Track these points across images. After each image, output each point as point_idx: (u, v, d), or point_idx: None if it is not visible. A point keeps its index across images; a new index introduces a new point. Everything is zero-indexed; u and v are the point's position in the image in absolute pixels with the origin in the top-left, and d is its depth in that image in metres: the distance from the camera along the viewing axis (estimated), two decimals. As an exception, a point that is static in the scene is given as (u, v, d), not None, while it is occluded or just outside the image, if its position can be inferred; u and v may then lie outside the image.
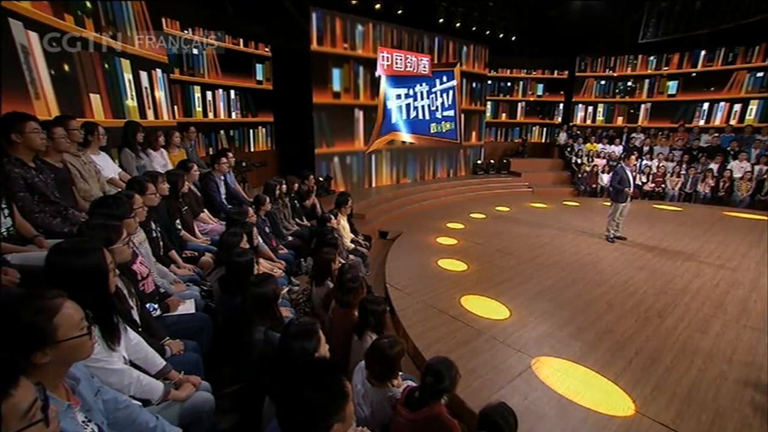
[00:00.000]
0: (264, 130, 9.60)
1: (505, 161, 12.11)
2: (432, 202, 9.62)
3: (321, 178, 9.12)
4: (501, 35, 11.64)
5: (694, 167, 9.87)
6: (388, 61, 9.94)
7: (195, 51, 7.65)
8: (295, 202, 5.98)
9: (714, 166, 9.74)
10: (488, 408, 1.82)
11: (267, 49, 9.21)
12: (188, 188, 3.72)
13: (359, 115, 9.71)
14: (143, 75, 4.78)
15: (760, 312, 4.18)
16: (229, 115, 8.64)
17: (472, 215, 8.39)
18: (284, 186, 5.49)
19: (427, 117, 11.02)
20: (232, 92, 8.64)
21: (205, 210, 4.38)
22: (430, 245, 6.44)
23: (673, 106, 11.64)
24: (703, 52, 11.12)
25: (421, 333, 3.71)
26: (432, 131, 11.18)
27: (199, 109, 7.91)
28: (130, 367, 1.52)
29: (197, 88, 7.81)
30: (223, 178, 4.96)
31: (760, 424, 2.58)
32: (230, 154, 5.36)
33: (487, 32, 11.28)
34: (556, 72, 13.07)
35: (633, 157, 6.50)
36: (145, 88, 4.85)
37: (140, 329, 1.74)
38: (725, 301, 4.40)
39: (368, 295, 2.57)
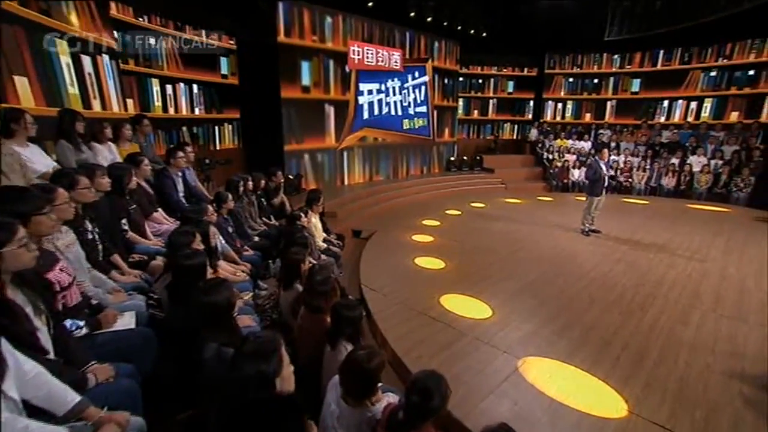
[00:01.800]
0: (230, 127, 9.05)
1: (478, 158, 12.10)
2: (406, 199, 9.42)
3: (291, 176, 8.71)
4: (472, 31, 11.58)
5: (658, 162, 10.19)
6: (358, 55, 9.64)
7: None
8: (262, 200, 5.59)
9: (675, 161, 10.09)
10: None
11: (232, 42, 8.68)
12: (137, 184, 3.28)
13: (330, 110, 9.36)
14: (86, 60, 4.25)
15: (732, 301, 4.22)
16: (192, 111, 8.06)
17: (447, 212, 8.24)
18: (250, 183, 5.09)
19: (400, 113, 10.81)
20: (195, 87, 8.06)
21: (160, 209, 3.94)
22: (405, 243, 6.21)
23: (636, 103, 12.01)
24: (661, 52, 11.54)
25: (400, 337, 3.45)
26: (405, 128, 10.97)
27: (158, 103, 7.30)
28: (15, 416, 1.12)
29: (155, 81, 7.21)
30: (180, 174, 4.51)
31: (755, 418, 2.50)
32: (189, 149, 4.91)
33: (459, 27, 11.19)
34: (525, 69, 13.21)
35: (605, 151, 6.55)
36: (89, 74, 4.32)
37: (51, 355, 1.37)
38: (700, 291, 4.42)
39: (341, 299, 2.28)
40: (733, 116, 10.81)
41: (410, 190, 9.94)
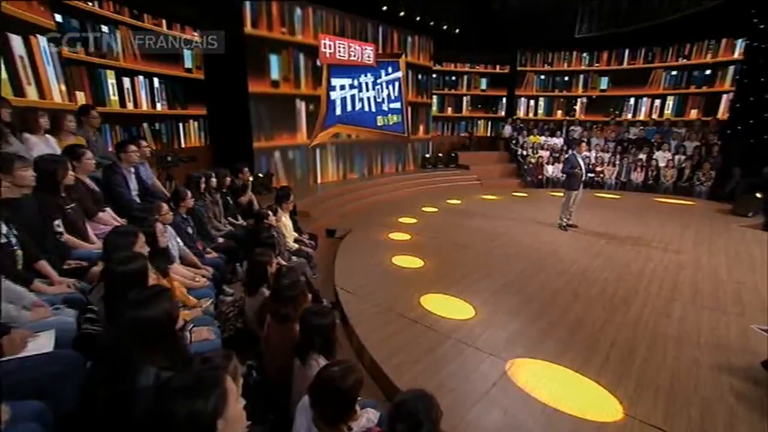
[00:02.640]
0: (196, 124, 8.49)
1: (453, 155, 12.02)
2: (382, 197, 9.18)
3: (260, 175, 8.28)
4: (445, 27, 11.49)
5: (627, 157, 10.43)
6: (330, 49, 9.31)
7: (104, 29, 6.46)
8: (228, 198, 5.20)
9: (643, 157, 10.37)
10: None
11: (195, 34, 8.13)
12: (75, 180, 2.86)
13: (301, 106, 8.98)
14: (15, 40, 3.74)
15: (710, 292, 4.23)
16: (154, 107, 7.47)
17: (424, 209, 8.06)
18: (213, 180, 4.70)
19: (373, 109, 10.55)
20: (156, 80, 7.47)
21: (108, 209, 3.50)
22: (382, 242, 5.97)
23: (605, 100, 12.29)
24: (627, 51, 11.85)
25: (378, 342, 3.20)
26: (379, 124, 10.73)
27: (114, 97, 6.69)
28: None
29: (110, 73, 6.60)
30: (133, 170, 4.07)
31: (748, 414, 2.41)
32: (143, 143, 4.48)
33: (432, 23, 11.07)
34: (498, 67, 13.26)
35: (583, 144, 6.55)
36: (20, 57, 3.80)
37: None
38: (678, 283, 4.41)
39: (311, 306, 2.00)
40: (693, 114, 11.24)
41: (385, 188, 9.71)
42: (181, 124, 8.11)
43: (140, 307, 1.29)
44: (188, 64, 8.08)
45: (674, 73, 11.44)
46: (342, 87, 9.78)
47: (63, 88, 4.57)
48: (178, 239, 3.45)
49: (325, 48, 9.18)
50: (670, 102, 11.61)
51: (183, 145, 8.09)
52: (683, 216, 7.64)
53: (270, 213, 4.15)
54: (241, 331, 2.81)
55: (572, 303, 3.87)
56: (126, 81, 6.91)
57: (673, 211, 8.06)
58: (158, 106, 7.58)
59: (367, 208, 8.36)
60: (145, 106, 7.29)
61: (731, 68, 10.71)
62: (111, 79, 6.65)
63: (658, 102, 11.74)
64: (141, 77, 7.15)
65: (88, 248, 2.77)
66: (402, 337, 3.28)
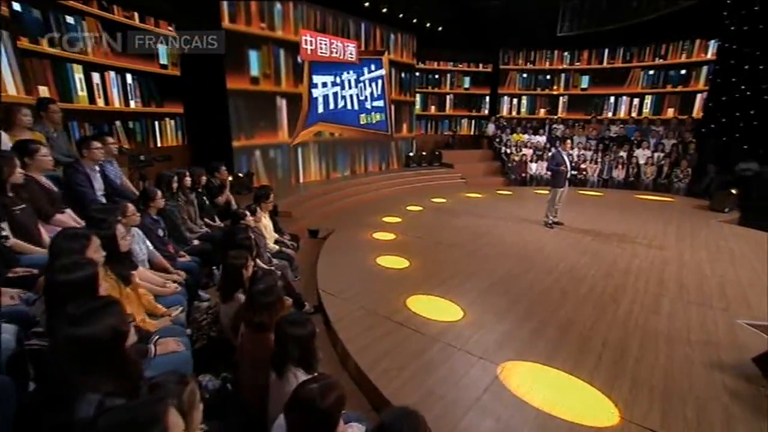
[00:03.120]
0: (173, 122, 8.12)
1: (437, 153, 11.94)
2: (365, 196, 9.00)
3: (240, 174, 7.99)
4: (428, 24, 11.40)
5: (608, 155, 10.56)
6: (311, 45, 9.08)
7: (70, 20, 6.07)
8: (204, 198, 4.94)
9: (623, 154, 10.51)
10: None
11: (171, 29, 7.77)
12: (24, 178, 2.59)
13: (282, 103, 8.72)
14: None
15: (695, 287, 4.22)
16: (127, 104, 7.08)
17: (408, 208, 7.93)
18: (187, 179, 4.44)
19: (356, 107, 10.36)
20: (129, 76, 7.09)
21: (68, 210, 3.22)
22: (366, 242, 5.80)
23: (586, 99, 12.44)
24: (606, 51, 12.03)
25: (363, 347, 3.04)
26: (362, 122, 10.55)
27: (82, 93, 6.29)
28: None
29: (78, 68, 6.21)
30: (98, 168, 3.78)
31: (743, 412, 2.35)
32: (110, 139, 4.18)
33: (414, 20, 10.96)
34: (481, 65, 13.26)
35: (569, 141, 6.54)
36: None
37: None
38: (664, 279, 4.40)
39: (288, 314, 1.82)
40: (670, 112, 11.48)
41: (369, 187, 9.54)
42: (156, 123, 7.74)
43: (79, 323, 1.09)
44: (163, 60, 7.72)
45: (651, 72, 11.67)
46: (324, 84, 9.56)
47: (18, 80, 4.23)
48: (148, 242, 3.21)
49: (306, 44, 8.94)
50: (648, 101, 11.83)
51: (159, 144, 7.73)
52: (664, 212, 7.74)
53: (247, 213, 3.93)
54: (215, 340, 2.61)
55: (561, 302, 3.79)
56: (95, 76, 6.51)
57: (654, 208, 8.16)
58: (132, 104, 7.19)
59: (351, 207, 8.18)
60: (117, 104, 6.90)
61: (705, 68, 10.99)
62: (78, 74, 6.25)
63: (636, 101, 11.95)
64: (112, 73, 6.76)
65: (39, 253, 2.51)
66: (388, 341, 3.12)
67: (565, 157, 6.23)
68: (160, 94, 7.71)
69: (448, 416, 2.29)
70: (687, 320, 3.48)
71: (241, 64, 7.87)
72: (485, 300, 3.84)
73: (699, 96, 11.13)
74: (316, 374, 1.60)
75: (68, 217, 3.16)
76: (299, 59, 8.84)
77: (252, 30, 7.95)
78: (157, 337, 2.00)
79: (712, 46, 10.76)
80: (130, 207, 2.88)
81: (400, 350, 3.00)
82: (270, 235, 4.73)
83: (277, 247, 4.72)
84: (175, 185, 4.01)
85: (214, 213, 5.10)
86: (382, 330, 3.30)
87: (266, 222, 4.65)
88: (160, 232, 3.48)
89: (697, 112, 11.12)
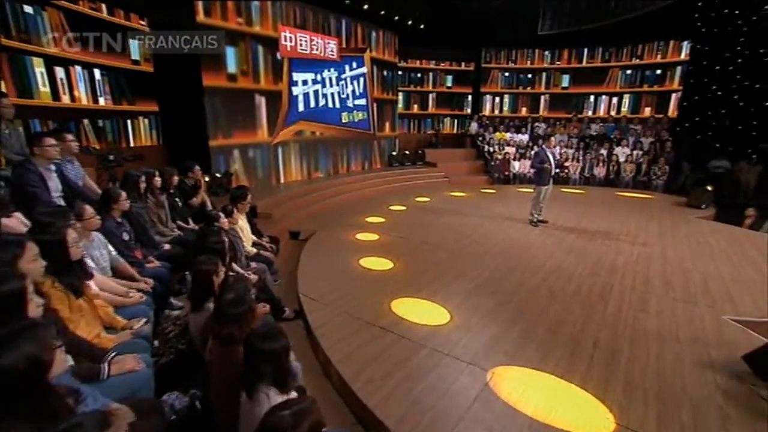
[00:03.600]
0: (146, 121, 7.74)
1: (420, 152, 11.84)
2: (348, 196, 8.81)
3: (218, 175, 7.68)
4: (410, 22, 11.29)
5: (589, 153, 10.67)
6: (291, 41, 8.83)
7: (29, 9, 5.67)
8: (177, 200, 4.67)
9: (604, 152, 10.64)
10: None
11: (143, 23, 7.38)
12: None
13: (261, 101, 8.44)
14: None
15: (680, 283, 4.22)
16: (95, 101, 6.67)
17: (391, 208, 7.78)
18: (157, 179, 4.17)
19: (338, 105, 10.16)
20: (97, 72, 6.68)
21: (17, 214, 2.93)
22: (348, 243, 5.63)
23: (567, 97, 12.57)
24: (585, 50, 12.19)
25: (346, 356, 2.86)
26: (343, 121, 10.35)
27: (44, 89, 5.90)
28: None
29: (38, 61, 5.80)
30: (53, 168, 3.48)
31: (738, 413, 2.29)
32: (69, 136, 3.87)
33: (396, 18, 10.83)
34: (463, 64, 13.24)
35: (553, 139, 6.52)
36: None
37: None
38: (649, 276, 4.39)
39: (260, 328, 1.63)
40: (647, 111, 11.71)
41: (352, 187, 9.35)
42: (129, 121, 7.36)
43: (-12, 352, 0.89)
44: (135, 55, 7.33)
45: (629, 72, 11.89)
46: (304, 82, 9.33)
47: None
48: (110, 247, 2.95)
49: (285, 41, 8.69)
50: (626, 100, 12.06)
51: (132, 144, 7.35)
52: (644, 209, 7.83)
53: (221, 215, 3.70)
54: (184, 353, 2.39)
55: (550, 302, 3.71)
56: (59, 71, 6.12)
57: (634, 205, 8.26)
58: (101, 101, 6.80)
59: (333, 207, 7.98)
60: (84, 101, 6.51)
61: (678, 69, 11.27)
62: (39, 68, 5.86)
63: (615, 100, 12.16)
64: (78, 67, 6.36)
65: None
66: (372, 348, 2.96)
67: (549, 155, 6.20)
68: (132, 92, 7.33)
69: (437, 428, 2.15)
70: (675, 318, 3.44)
71: (217, 60, 7.56)
72: (472, 301, 3.72)
73: (674, 95, 11.41)
74: (289, 398, 1.42)
75: (17, 222, 2.86)
76: (278, 56, 8.59)
77: (228, 25, 7.66)
78: (113, 354, 1.78)
79: (685, 47, 11.02)
80: (88, 209, 2.62)
81: (384, 357, 2.84)
82: (247, 237, 4.50)
83: (255, 250, 4.50)
84: (143, 186, 3.74)
85: (188, 215, 4.84)
86: (365, 336, 3.14)
87: (243, 224, 4.42)
88: (126, 237, 3.23)
89: (672, 111, 11.39)
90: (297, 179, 9.24)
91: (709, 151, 10.33)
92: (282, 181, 8.94)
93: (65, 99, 6.21)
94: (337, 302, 3.74)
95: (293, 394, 1.64)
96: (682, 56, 11.15)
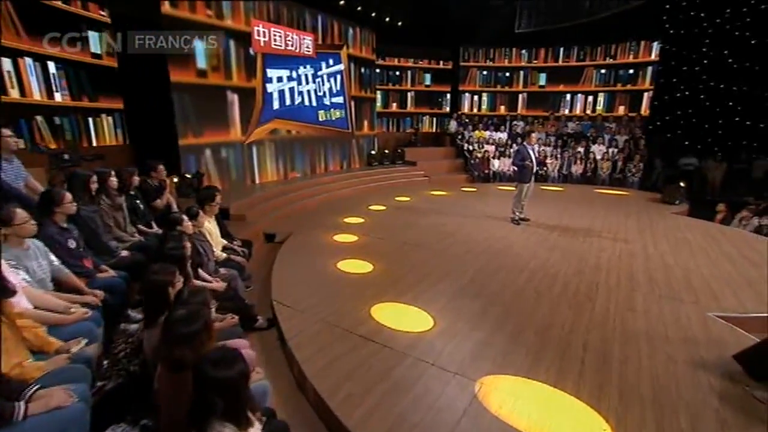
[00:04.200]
0: (110, 119, 7.22)
1: (399, 151, 11.67)
2: (326, 196, 8.54)
3: (188, 175, 7.27)
4: (387, 19, 11.10)
5: (567, 151, 10.75)
6: (264, 36, 8.48)
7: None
8: (138, 202, 4.31)
9: (581, 150, 10.74)
10: None
11: (104, 14, 6.88)
12: None
13: (233, 98, 8.07)
14: None
15: (663, 280, 4.17)
16: (51, 97, 6.15)
17: (371, 208, 7.56)
18: (113, 180, 3.82)
19: (314, 103, 9.86)
20: (52, 65, 6.16)
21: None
22: (326, 245, 5.37)
23: (544, 96, 12.68)
24: (561, 49, 12.31)
25: (322, 369, 2.63)
26: (320, 119, 10.05)
27: (-13, 82, 5.38)
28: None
29: (-22, 51, 5.28)
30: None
31: (734, 417, 2.18)
32: (6, 131, 3.45)
33: (373, 14, 10.61)
34: (441, 62, 13.16)
35: (534, 135, 6.45)
36: None
37: None
38: (633, 273, 4.33)
39: (212, 353, 1.37)
40: (621, 110, 11.93)
41: (330, 187, 9.08)
42: (91, 119, 6.85)
43: None
44: (95, 48, 6.82)
45: (603, 71, 12.08)
46: (279, 79, 8.99)
47: None
48: (52, 257, 2.61)
49: (258, 35, 8.34)
50: (601, 98, 12.25)
51: (95, 144, 6.85)
52: (622, 206, 7.90)
53: (185, 218, 3.38)
54: (135, 376, 2.10)
55: (536, 303, 3.57)
56: (5, 62, 5.59)
57: (612, 202, 8.33)
58: (57, 96, 6.28)
59: (311, 208, 7.70)
60: (37, 96, 5.98)
61: (649, 68, 11.52)
62: (-21, 58, 5.34)
63: (591, 98, 12.33)
64: (28, 59, 5.83)
65: None
66: (351, 359, 2.73)
67: (530, 152, 6.12)
68: (93, 87, 6.82)
69: (423, 450, 1.95)
70: (662, 316, 3.36)
71: (185, 55, 7.15)
72: (457, 304, 3.55)
73: (646, 95, 11.66)
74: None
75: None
76: (251, 51, 8.23)
77: (197, 17, 7.27)
78: (35, 387, 1.49)
79: (655, 47, 11.28)
80: (19, 213, 2.29)
81: (365, 369, 2.62)
82: (216, 241, 4.19)
83: (225, 255, 4.19)
84: (94, 186, 3.38)
85: (152, 218, 4.48)
86: (344, 346, 2.91)
87: (211, 227, 4.11)
88: (72, 244, 2.88)
89: (644, 109, 11.64)
90: (273, 179, 8.89)
91: (680, 149, 10.63)
92: (257, 181, 8.58)
93: (13, 93, 5.68)
94: (313, 309, 3.50)
95: (257, 427, 1.39)
96: (653, 56, 11.41)
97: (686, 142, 10.73)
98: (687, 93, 10.86)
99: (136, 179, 4.30)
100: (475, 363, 2.66)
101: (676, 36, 10.78)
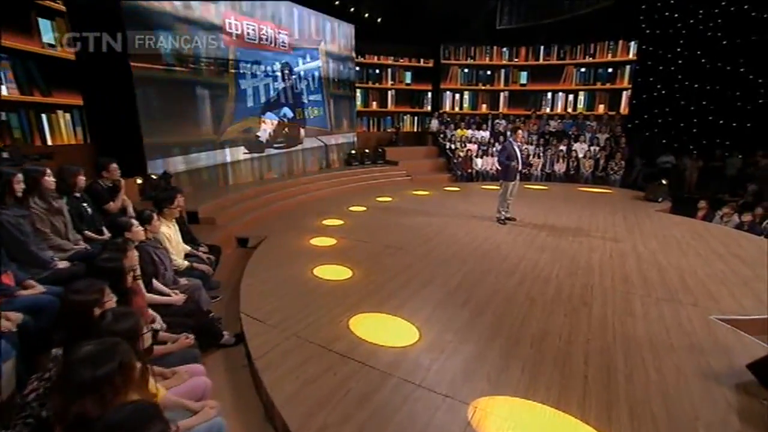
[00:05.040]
0: (68, 116, 6.61)
1: (380, 150, 11.34)
2: (304, 197, 8.13)
3: (154, 176, 6.73)
4: (366, 15, 10.77)
5: (549, 149, 10.66)
6: (237, 29, 8.00)
7: None
8: (85, 205, 3.81)
9: (563, 148, 10.67)
10: None
11: (58, 2, 6.27)
12: None
13: (204, 94, 7.57)
14: None
15: (658, 281, 3.97)
16: None
17: (351, 209, 7.20)
18: (49, 179, 3.32)
19: (291, 101, 9.43)
20: None
21: None
22: (302, 249, 4.99)
23: (525, 94, 12.60)
24: (542, 48, 12.26)
25: (293, 395, 2.26)
26: (298, 117, 9.63)
27: None
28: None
29: None
30: None
31: (762, 440, 1.94)
32: None
33: (352, 9, 10.27)
34: (422, 60, 12.92)
35: (520, 132, 6.23)
36: None
37: None
38: (627, 274, 4.12)
39: (116, 411, 0.99)
40: (601, 108, 11.97)
41: (308, 188, 8.66)
42: (44, 116, 6.24)
43: None
44: (47, 37, 6.21)
45: (583, 70, 12.09)
46: (254, 75, 8.52)
47: None
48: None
49: (230, 28, 7.86)
50: (581, 97, 12.26)
51: (50, 142, 6.24)
52: (606, 204, 7.79)
53: (134, 223, 2.95)
54: (47, 425, 1.67)
55: (529, 309, 3.29)
56: (-69, 50, 4.98)
57: (596, 200, 8.23)
58: (2, 90, 5.67)
59: (288, 210, 7.28)
60: (-24, 88, 5.38)
61: (627, 67, 11.60)
62: None
63: (571, 97, 12.32)
64: (-37, 48, 5.23)
65: None
66: (326, 382, 2.37)
67: (516, 149, 5.89)
68: (47, 81, 6.21)
69: (409, 501, 1.61)
70: (663, 321, 3.13)
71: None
72: (444, 314, 3.23)
73: (625, 93, 11.73)
74: None
75: None
76: (222, 45, 7.75)
77: (161, 7, 6.75)
78: None
79: (633, 47, 11.36)
80: None
81: (341, 394, 2.26)
82: (176, 248, 3.76)
83: (186, 263, 3.76)
84: (19, 186, 2.89)
85: (103, 224, 3.98)
86: (318, 366, 2.54)
87: (169, 232, 3.67)
88: (-10, 255, 2.41)
89: (624, 108, 11.71)
90: (247, 180, 8.41)
91: (658, 147, 10.72)
92: (230, 182, 8.09)
93: (-53, 86, 5.07)
94: (285, 322, 3.12)
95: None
96: (630, 55, 11.48)
97: (664, 141, 10.84)
98: (663, 92, 10.97)
99: (82, 179, 3.79)
100: (467, 382, 2.35)
101: (651, 36, 10.88)
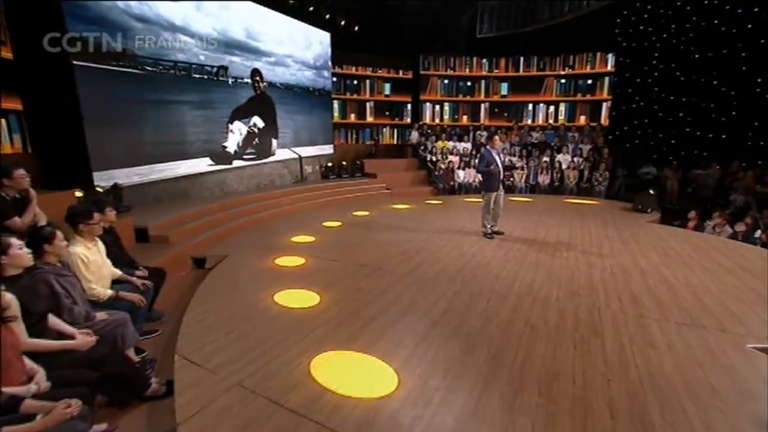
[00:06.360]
0: (4, 122, 5.80)
1: (358, 163, 10.79)
2: (274, 212, 7.42)
3: (100, 187, 5.94)
4: (342, 22, 10.36)
5: (533, 161, 10.36)
6: (201, 30, 7.41)
7: None
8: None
9: (546, 159, 10.38)
10: None
11: None
12: None
13: (165, 99, 6.88)
14: None
15: (671, 301, 3.47)
16: None
17: (325, 224, 6.56)
18: None
19: (262, 109, 8.81)
20: None
21: None
22: (264, 271, 4.31)
23: (506, 105, 12.39)
24: (522, 59, 12.14)
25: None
26: (269, 127, 9.00)
27: None
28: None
29: None
30: None
31: None
32: None
33: (327, 15, 9.84)
34: (401, 71, 12.58)
35: (497, 138, 5.77)
36: None
37: None
38: (635, 294, 3.61)
39: None
40: (582, 119, 11.85)
41: (279, 201, 7.96)
42: (-26, 123, 5.43)
43: None
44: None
45: (563, 81, 12.00)
46: (220, 80, 7.89)
47: None
48: None
49: (195, 29, 7.26)
50: (562, 108, 12.13)
51: (-15, 153, 5.41)
52: (595, 215, 7.42)
53: (13, 243, 2.22)
54: None
55: (531, 341, 2.70)
56: None
57: (583, 211, 7.86)
58: None
59: (254, 226, 6.57)
60: None
61: (607, 79, 11.57)
62: None
63: (552, 108, 12.18)
64: None
65: None
66: (268, 461, 1.70)
67: (495, 156, 5.42)
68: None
69: None
70: (692, 352, 2.60)
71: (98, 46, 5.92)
72: (428, 350, 2.60)
73: (605, 104, 11.67)
74: None
75: None
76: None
77: (115, 4, 6.10)
78: None
79: (611, 59, 11.36)
80: None
81: (288, 481, 1.60)
82: (97, 273, 3.02)
83: (111, 292, 3.03)
84: None
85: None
86: (267, 430, 1.87)
87: (86, 253, 2.93)
88: None
89: (604, 119, 11.62)
90: (211, 194, 7.66)
91: (639, 158, 10.59)
92: (191, 195, 7.32)
93: None
94: (229, 366, 2.45)
95: None
96: (609, 67, 11.47)
97: (644, 152, 10.74)
98: (642, 104, 10.92)
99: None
100: (462, 455, 1.72)
101: (628, 48, 10.90)
